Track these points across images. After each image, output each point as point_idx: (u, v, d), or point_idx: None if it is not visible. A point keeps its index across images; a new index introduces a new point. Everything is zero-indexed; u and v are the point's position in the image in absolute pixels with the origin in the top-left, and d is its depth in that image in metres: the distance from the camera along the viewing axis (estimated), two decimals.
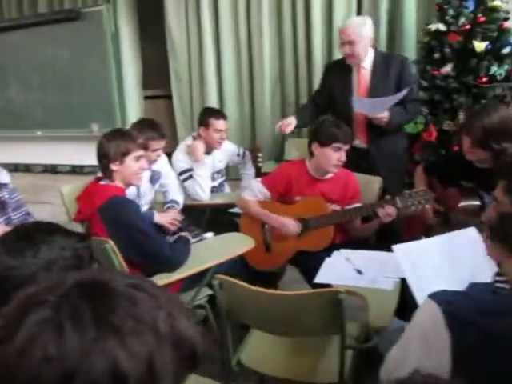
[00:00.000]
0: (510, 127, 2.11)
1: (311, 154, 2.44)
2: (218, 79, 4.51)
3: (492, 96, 3.13)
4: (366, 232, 2.49)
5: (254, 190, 2.53)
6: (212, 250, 2.34)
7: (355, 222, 2.46)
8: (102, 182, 2.25)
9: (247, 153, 3.29)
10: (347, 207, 2.44)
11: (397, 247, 1.67)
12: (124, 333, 0.54)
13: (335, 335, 1.67)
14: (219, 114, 3.12)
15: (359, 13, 4.02)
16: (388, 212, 2.25)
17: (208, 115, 3.07)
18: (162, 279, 2.03)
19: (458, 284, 1.43)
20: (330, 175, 2.47)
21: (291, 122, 2.91)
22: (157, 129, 2.70)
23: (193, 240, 2.41)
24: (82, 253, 1.09)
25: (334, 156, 2.37)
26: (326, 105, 3.09)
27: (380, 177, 2.80)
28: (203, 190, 3.01)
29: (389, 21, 3.95)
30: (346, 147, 2.39)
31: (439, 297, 1.11)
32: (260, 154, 3.11)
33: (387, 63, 2.92)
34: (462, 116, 3.12)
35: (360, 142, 3.00)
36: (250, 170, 3.25)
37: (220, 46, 4.42)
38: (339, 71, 3.02)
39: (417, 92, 3.05)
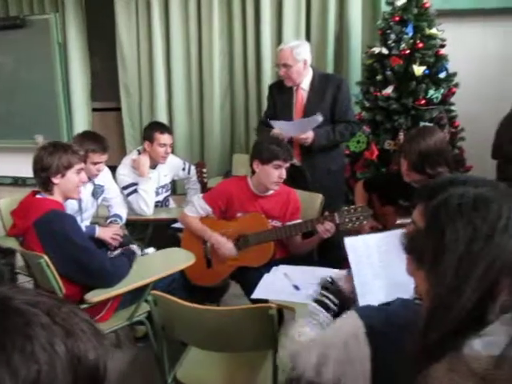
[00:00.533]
0: (444, 152, 2.21)
1: (252, 172, 2.47)
2: (168, 93, 4.50)
3: (429, 118, 3.28)
4: (306, 248, 2.53)
5: (195, 206, 2.53)
6: (152, 265, 2.33)
7: (295, 237, 2.50)
8: (38, 196, 2.19)
9: (193, 167, 3.28)
10: (288, 223, 2.48)
11: (346, 239, 1.67)
12: (11, 351, 0.53)
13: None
14: (164, 128, 3.11)
15: (308, 34, 4.13)
16: (327, 228, 2.29)
17: (153, 129, 3.06)
18: (100, 294, 2.00)
19: (393, 287, 1.47)
20: (271, 192, 2.50)
21: None
22: (98, 142, 2.67)
23: (139, 253, 2.39)
24: (3, 269, 1.07)
25: (274, 173, 2.41)
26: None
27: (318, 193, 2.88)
28: (147, 205, 2.99)
29: (336, 43, 4.09)
30: (287, 165, 2.44)
31: (363, 312, 1.14)
32: (205, 170, 3.11)
33: (324, 84, 3.00)
34: (401, 136, 3.25)
35: (297, 161, 3.06)
36: (195, 184, 3.25)
37: (170, 60, 4.43)
38: (282, 91, 3.09)
39: (352, 113, 3.12)
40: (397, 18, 3.44)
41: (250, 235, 2.43)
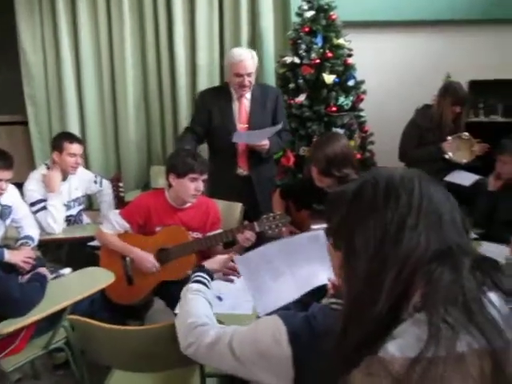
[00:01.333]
0: (349, 156, 2.33)
1: (169, 185, 2.44)
2: (79, 103, 4.31)
3: (341, 124, 3.42)
4: None
5: (111, 222, 2.45)
6: (69, 287, 2.22)
7: (217, 247, 2.50)
8: None
9: (105, 180, 3.19)
10: (208, 234, 2.47)
11: (237, 258, 1.73)
12: None
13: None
14: (73, 137, 3.01)
15: (221, 44, 4.15)
16: (247, 237, 2.31)
17: (61, 139, 2.95)
18: (11, 325, 1.86)
19: (296, 287, 1.54)
20: (189, 204, 2.48)
21: None
22: (1, 158, 2.50)
23: (51, 276, 2.27)
24: None
25: (191, 186, 2.39)
26: (204, 134, 3.13)
27: (259, 202, 3.02)
28: (55, 221, 2.85)
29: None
30: (203, 177, 2.43)
31: (285, 317, 1.15)
32: (121, 184, 3.03)
33: (264, 94, 3.10)
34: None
35: (243, 170, 3.11)
36: (107, 197, 3.15)
37: (80, 70, 4.24)
38: (218, 100, 3.09)
39: (286, 122, 3.25)
40: (306, 29, 3.56)
41: (171, 249, 2.40)
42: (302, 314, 1.17)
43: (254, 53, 3.07)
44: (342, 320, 0.83)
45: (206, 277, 1.53)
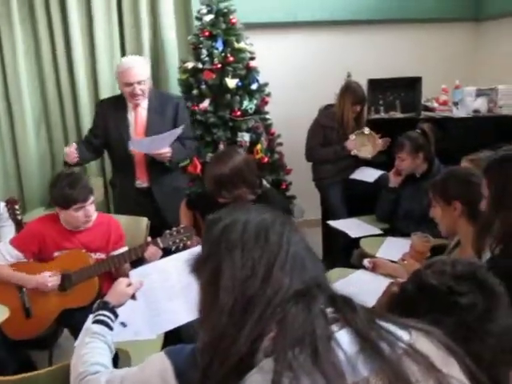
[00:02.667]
0: (240, 174, 2.24)
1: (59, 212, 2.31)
2: None
3: (246, 128, 3.41)
4: None
5: (2, 253, 2.28)
6: None
7: (124, 267, 2.40)
8: None
9: (2, 204, 2.97)
10: (112, 253, 2.37)
11: (132, 272, 1.67)
12: None
13: None
14: None
15: (123, 52, 3.99)
16: (152, 252, 2.25)
17: None
18: None
19: (190, 309, 1.50)
20: (88, 225, 2.37)
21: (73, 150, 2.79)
22: None
23: None
24: None
25: (78, 216, 2.28)
26: (102, 144, 3.02)
27: (162, 214, 2.92)
28: None
29: (153, 59, 4.02)
30: (90, 201, 2.30)
31: (171, 352, 1.11)
32: (17, 206, 2.82)
33: (163, 102, 2.98)
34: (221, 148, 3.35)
35: (141, 182, 3.00)
36: (7, 221, 2.93)
37: None
38: (114, 110, 2.97)
39: (191, 129, 3.17)
40: (207, 33, 3.51)
41: (73, 274, 2.27)
42: (189, 348, 1.13)
43: (144, 60, 2.97)
44: (206, 355, 0.81)
45: (109, 315, 1.41)
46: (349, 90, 3.47)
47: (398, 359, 0.71)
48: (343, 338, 0.72)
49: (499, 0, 4.47)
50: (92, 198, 2.31)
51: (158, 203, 2.98)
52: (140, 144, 2.83)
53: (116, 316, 1.44)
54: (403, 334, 0.75)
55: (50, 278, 2.24)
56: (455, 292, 0.99)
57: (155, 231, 2.73)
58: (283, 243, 0.83)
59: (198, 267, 0.90)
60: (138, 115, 2.96)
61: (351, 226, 3.00)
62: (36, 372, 1.51)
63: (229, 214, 0.92)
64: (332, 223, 3.10)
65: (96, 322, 1.37)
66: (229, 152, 2.44)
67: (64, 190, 2.21)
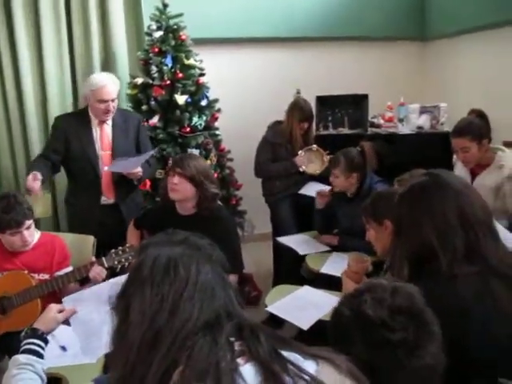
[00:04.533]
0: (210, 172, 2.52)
1: None
2: None
3: (195, 144, 3.43)
4: None
5: None
6: None
7: (69, 286, 2.36)
8: None
9: None
10: (56, 275, 2.34)
11: (65, 299, 1.67)
12: None
13: None
14: None
15: (72, 66, 3.91)
16: (97, 272, 2.24)
17: None
18: None
19: None
20: (31, 245, 2.33)
21: (39, 178, 2.70)
22: None
23: None
24: None
25: (15, 240, 2.25)
26: (60, 161, 2.99)
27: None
28: None
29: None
30: (27, 225, 2.26)
31: (99, 381, 1.12)
32: None
33: (126, 119, 3.05)
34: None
35: (107, 199, 3.00)
36: None
37: None
38: (76, 125, 2.95)
39: (151, 147, 3.20)
40: (156, 50, 3.52)
41: (14, 296, 2.21)
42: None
43: (114, 77, 3.00)
44: None
45: (39, 343, 1.40)
46: (296, 107, 3.55)
47: None
48: (247, 370, 0.76)
49: (445, 20, 4.68)
50: (28, 223, 2.26)
51: (126, 220, 2.97)
52: (117, 165, 2.87)
53: (46, 342, 1.43)
54: (309, 365, 0.79)
55: None
56: (388, 327, 1.01)
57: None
58: (191, 275, 0.85)
59: (114, 306, 0.91)
60: (104, 132, 2.97)
61: (300, 243, 3.05)
62: None
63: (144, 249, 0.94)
64: (281, 239, 3.15)
65: (24, 351, 1.35)
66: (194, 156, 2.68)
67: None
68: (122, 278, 1.67)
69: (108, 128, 2.99)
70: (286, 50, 4.67)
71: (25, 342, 1.39)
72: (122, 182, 2.97)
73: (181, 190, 2.46)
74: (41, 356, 1.36)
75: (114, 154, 2.95)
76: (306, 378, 0.76)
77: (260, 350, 0.78)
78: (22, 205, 2.23)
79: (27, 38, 3.81)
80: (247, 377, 0.74)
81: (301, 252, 2.91)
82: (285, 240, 3.13)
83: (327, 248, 2.96)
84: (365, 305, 1.04)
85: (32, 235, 2.32)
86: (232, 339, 0.80)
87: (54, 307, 1.56)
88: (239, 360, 0.77)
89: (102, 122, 2.97)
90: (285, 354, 0.79)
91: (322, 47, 4.78)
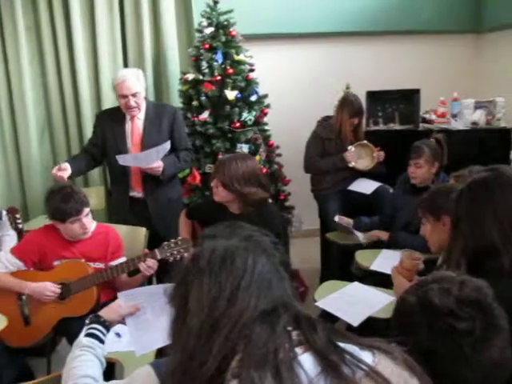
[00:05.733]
0: (256, 175, 2.42)
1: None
2: None
3: (245, 140, 3.45)
4: (133, 286, 2.46)
5: (3, 262, 2.33)
6: None
7: (121, 277, 2.44)
8: None
9: (4, 212, 3.01)
10: (111, 264, 2.41)
11: (120, 294, 1.72)
12: None
13: None
14: None
15: (125, 63, 4.05)
16: (149, 265, 2.29)
17: None
18: None
19: None
20: (87, 235, 2.41)
21: (67, 168, 2.79)
22: None
23: None
24: None
25: (75, 228, 2.33)
26: (100, 154, 3.07)
27: (156, 225, 2.95)
28: None
29: (154, 70, 4.08)
30: (85, 213, 2.35)
31: (158, 365, 1.14)
32: (18, 215, 2.88)
33: (159, 113, 3.03)
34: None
35: (136, 192, 3.05)
36: (9, 230, 2.98)
37: None
38: (112, 121, 3.02)
39: (188, 140, 3.21)
40: (207, 46, 3.56)
41: (72, 283, 2.31)
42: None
43: (139, 72, 3.01)
44: (176, 377, 0.84)
45: (101, 329, 1.46)
46: (346, 102, 3.51)
47: (358, 382, 0.74)
48: (306, 359, 0.76)
49: (499, 12, 4.50)
50: (87, 210, 2.35)
51: (151, 214, 3.02)
52: (126, 159, 2.89)
53: (107, 330, 1.48)
54: (366, 356, 0.78)
55: (47, 287, 2.28)
56: (455, 316, 0.99)
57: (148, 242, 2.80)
58: (248, 266, 0.86)
59: (171, 295, 0.93)
60: (135, 126, 3.01)
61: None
62: (35, 380, 1.53)
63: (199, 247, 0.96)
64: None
65: (87, 335, 1.41)
66: (246, 154, 2.53)
67: (58, 204, 2.26)
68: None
69: (139, 122, 3.02)
70: (336, 44, 4.62)
71: (88, 326, 1.45)
72: (150, 177, 2.98)
73: (219, 194, 2.45)
74: (102, 341, 1.41)
75: (143, 148, 2.97)
76: (364, 368, 0.75)
77: (317, 340, 0.78)
78: (78, 193, 2.33)
79: (83, 36, 3.96)
80: (306, 366, 0.74)
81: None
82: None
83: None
84: (432, 292, 1.03)
85: (90, 222, 2.40)
86: (289, 328, 0.80)
87: (119, 302, 1.63)
88: (297, 349, 0.77)
89: (133, 117, 3.01)
90: (341, 344, 0.79)
91: (372, 41, 4.70)
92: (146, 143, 2.96)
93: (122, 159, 2.84)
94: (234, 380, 0.75)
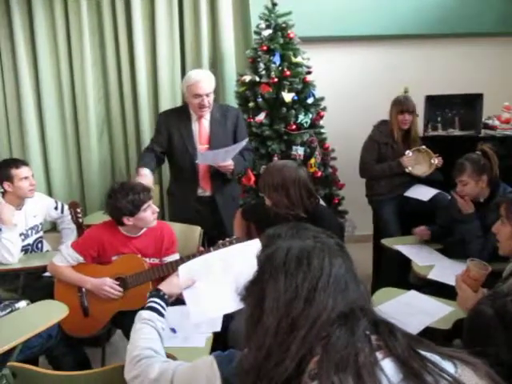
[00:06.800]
0: (286, 188, 2.38)
1: (121, 224, 2.40)
2: (40, 128, 4.22)
3: (301, 142, 3.44)
4: None
5: (64, 256, 2.40)
6: (21, 323, 2.15)
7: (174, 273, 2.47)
8: None
9: (66, 207, 3.13)
10: (166, 259, 2.46)
11: (180, 266, 1.76)
12: None
13: None
14: (18, 161, 2.96)
15: (183, 63, 4.13)
16: None
17: (7, 168, 2.88)
18: None
19: (234, 300, 1.56)
20: (143, 230, 2.46)
21: (146, 174, 2.89)
22: None
23: (1, 313, 2.21)
24: None
25: (148, 215, 2.39)
26: (164, 154, 3.14)
27: (224, 222, 3.01)
28: (11, 254, 2.79)
29: (211, 71, 4.11)
30: (152, 199, 2.43)
31: (222, 361, 1.14)
32: (79, 210, 2.98)
33: (224, 114, 3.10)
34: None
35: (204, 191, 3.11)
36: (69, 224, 3.10)
37: (40, 93, 4.16)
38: (178, 121, 3.09)
39: (248, 141, 3.25)
40: (264, 48, 3.57)
41: (128, 277, 2.36)
42: (238, 358, 1.16)
43: (210, 74, 3.08)
44: (251, 375, 0.83)
45: (161, 302, 1.51)
46: (395, 101, 3.47)
47: None
48: (387, 365, 0.73)
49: None
50: (152, 196, 2.44)
51: (221, 212, 3.09)
52: (205, 157, 2.94)
53: (167, 304, 1.52)
54: (447, 366, 0.75)
55: (106, 283, 2.35)
56: None
57: (212, 240, 2.81)
58: (325, 266, 0.86)
59: (246, 293, 0.94)
60: (202, 126, 3.07)
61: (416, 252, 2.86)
62: (96, 369, 1.57)
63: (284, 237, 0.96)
64: (401, 248, 2.93)
65: (147, 308, 1.47)
66: (287, 163, 2.52)
67: (128, 197, 2.32)
68: (229, 251, 1.76)
69: (206, 123, 3.08)
70: (394, 47, 4.52)
71: (149, 300, 1.49)
72: (218, 175, 3.04)
73: (267, 198, 2.47)
74: (162, 315, 1.45)
75: (211, 148, 3.03)
76: (449, 378, 0.72)
77: (398, 346, 0.75)
78: (138, 184, 2.43)
79: (143, 38, 4.08)
80: (388, 372, 0.72)
81: (420, 263, 2.71)
82: (401, 248, 2.92)
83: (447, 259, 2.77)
84: (510, 305, 0.98)
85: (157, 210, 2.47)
86: (368, 333, 0.78)
87: (177, 279, 1.68)
88: (378, 354, 0.75)
89: (200, 117, 3.06)
90: (423, 352, 0.76)
91: (432, 44, 4.56)
92: (214, 143, 3.02)
93: (201, 157, 2.91)
94: (312, 382, 0.74)
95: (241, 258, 1.71)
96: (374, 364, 0.73)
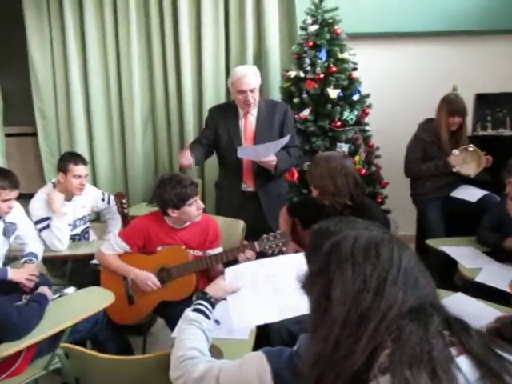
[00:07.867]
0: (332, 177, 2.37)
1: (166, 214, 2.43)
2: (87, 118, 4.35)
3: (345, 139, 3.40)
4: None
5: (112, 244, 2.46)
6: (70, 308, 2.22)
7: (217, 266, 2.49)
8: None
9: (112, 197, 3.20)
10: (209, 252, 2.48)
11: (227, 269, 1.76)
12: None
13: None
14: (78, 158, 3.01)
15: (227, 58, 4.15)
16: (247, 256, 2.31)
17: (66, 160, 2.96)
18: (8, 348, 1.87)
19: (278, 310, 1.59)
20: (189, 223, 2.48)
21: (187, 154, 2.92)
22: (7, 178, 2.50)
23: (52, 296, 2.28)
24: None
25: (192, 210, 2.40)
26: (211, 148, 3.17)
27: (266, 218, 3.01)
28: (60, 241, 2.88)
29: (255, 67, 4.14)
30: (199, 195, 2.44)
31: (272, 356, 1.14)
32: (124, 201, 3.04)
33: (271, 110, 3.09)
34: None
35: (248, 186, 3.12)
36: (115, 214, 3.17)
37: (88, 85, 4.28)
38: (225, 116, 3.11)
39: (296, 138, 3.23)
40: (311, 43, 3.55)
41: (172, 268, 2.40)
42: (287, 353, 1.16)
43: (256, 69, 3.08)
44: (318, 367, 0.82)
45: (207, 305, 1.51)
46: (445, 100, 3.35)
47: None
48: (463, 362, 0.71)
49: None
50: (198, 192, 2.45)
51: (263, 207, 3.09)
52: (246, 151, 2.95)
53: (213, 306, 1.53)
54: None
55: (149, 279, 2.39)
56: None
57: (255, 235, 2.82)
58: (394, 259, 0.83)
59: (309, 282, 0.93)
60: (248, 122, 3.08)
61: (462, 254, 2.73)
62: (138, 356, 1.60)
63: (338, 229, 0.94)
64: (447, 250, 2.81)
65: (194, 310, 1.47)
66: (334, 153, 2.53)
67: (176, 189, 2.34)
68: (273, 261, 1.76)
69: (252, 118, 3.08)
70: (443, 44, 4.39)
71: (196, 302, 1.50)
72: (262, 171, 3.03)
73: (313, 189, 2.47)
74: (207, 317, 1.45)
75: (255, 143, 3.02)
76: None
77: (473, 344, 0.73)
78: (187, 178, 2.45)
79: (189, 34, 4.12)
80: (464, 369, 0.70)
81: (467, 265, 2.63)
82: (450, 250, 2.77)
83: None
84: None
85: (203, 206, 2.49)
86: (440, 329, 0.76)
87: (224, 283, 1.68)
88: (452, 351, 0.73)
89: (247, 113, 3.06)
90: (497, 351, 0.74)
91: (481, 41, 4.40)
92: (259, 139, 3.02)
93: (241, 151, 2.91)
94: (382, 375, 0.72)
95: (284, 269, 1.72)
96: (450, 361, 0.71)
